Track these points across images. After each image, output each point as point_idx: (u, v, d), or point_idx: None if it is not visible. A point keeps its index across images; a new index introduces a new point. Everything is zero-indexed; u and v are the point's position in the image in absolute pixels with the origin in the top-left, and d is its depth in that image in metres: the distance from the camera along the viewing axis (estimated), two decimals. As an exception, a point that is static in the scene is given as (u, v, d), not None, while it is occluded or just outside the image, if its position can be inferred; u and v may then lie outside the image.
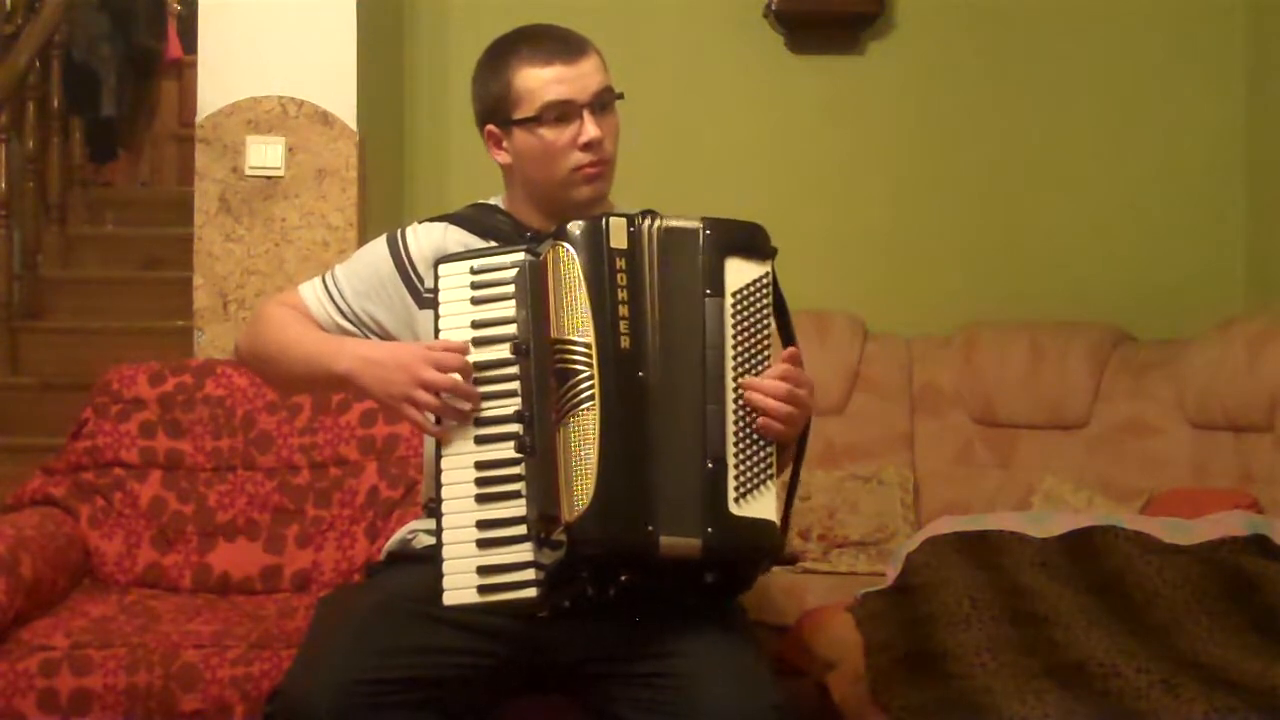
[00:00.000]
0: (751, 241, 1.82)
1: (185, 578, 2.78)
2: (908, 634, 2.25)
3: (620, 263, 1.75)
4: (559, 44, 1.92)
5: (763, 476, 1.75)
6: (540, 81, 1.90)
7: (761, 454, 1.76)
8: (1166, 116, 3.66)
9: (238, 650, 2.36)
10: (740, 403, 1.75)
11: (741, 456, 1.74)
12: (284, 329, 1.99)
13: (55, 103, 4.87)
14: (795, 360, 1.80)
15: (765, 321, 1.80)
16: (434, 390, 1.76)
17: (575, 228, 1.76)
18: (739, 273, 1.79)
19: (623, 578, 1.70)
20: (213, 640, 2.38)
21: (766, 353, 1.79)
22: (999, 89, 3.68)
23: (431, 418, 1.79)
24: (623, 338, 1.72)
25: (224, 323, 3.27)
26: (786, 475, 1.90)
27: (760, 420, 1.75)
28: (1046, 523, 2.60)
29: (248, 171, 3.27)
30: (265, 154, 3.26)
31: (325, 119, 3.26)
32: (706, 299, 1.77)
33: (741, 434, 1.75)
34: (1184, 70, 3.66)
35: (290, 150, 3.26)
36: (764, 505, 1.74)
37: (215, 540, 2.82)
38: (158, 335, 4.11)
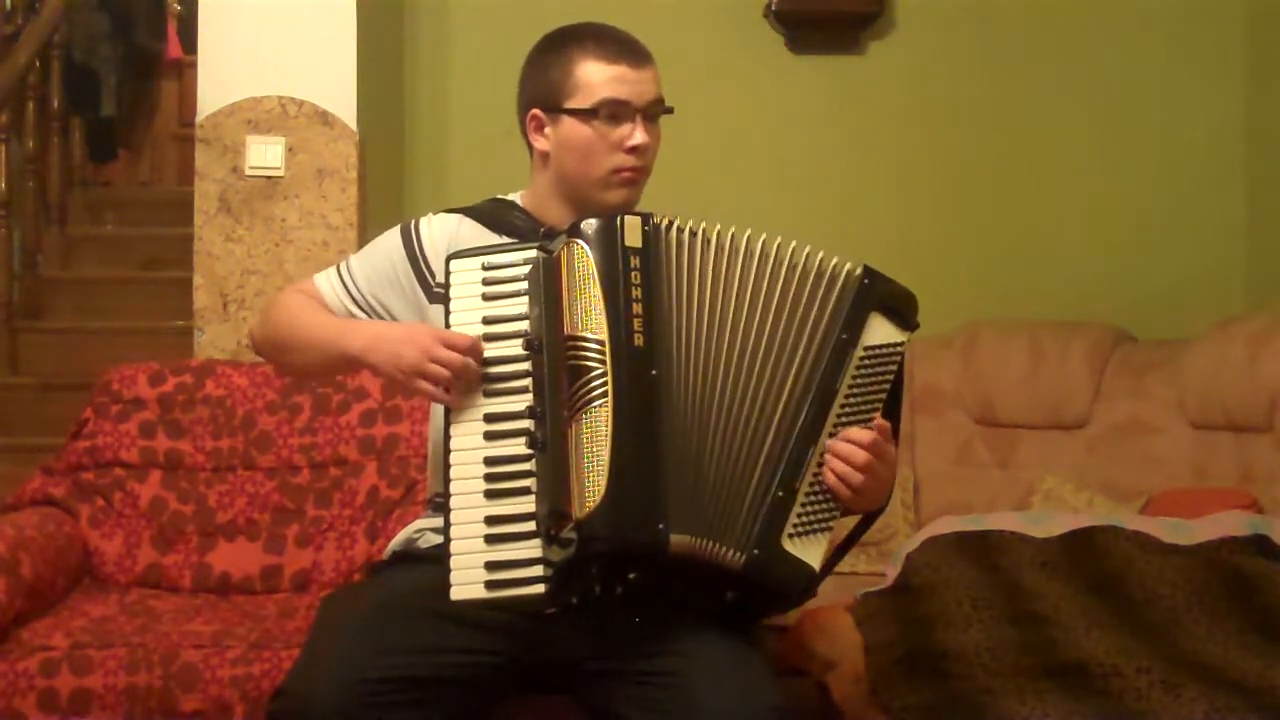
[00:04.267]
0: (904, 307, 1.84)
1: (185, 578, 2.78)
2: (908, 634, 2.25)
3: (634, 261, 1.75)
4: (626, 46, 1.94)
5: (823, 525, 1.76)
6: (603, 76, 1.91)
7: (830, 504, 1.77)
8: (1166, 117, 3.66)
9: (238, 650, 2.36)
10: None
11: (812, 497, 1.75)
12: (296, 313, 1.99)
13: (55, 103, 4.88)
14: (884, 434, 1.80)
15: (884, 386, 1.81)
16: (445, 365, 1.77)
17: (589, 226, 1.76)
18: (878, 330, 1.81)
19: (631, 576, 1.70)
20: (213, 640, 2.38)
21: (873, 415, 1.80)
22: (999, 89, 3.69)
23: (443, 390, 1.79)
24: (636, 335, 1.72)
25: (224, 323, 3.27)
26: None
27: (830, 481, 1.76)
28: (1046, 523, 2.60)
29: (248, 171, 3.27)
30: (265, 154, 3.26)
31: (325, 119, 3.26)
32: (839, 341, 1.77)
33: (819, 477, 1.76)
34: (1184, 71, 3.66)
35: (290, 150, 3.26)
36: (813, 551, 1.75)
37: (215, 540, 2.82)
38: (158, 335, 4.11)
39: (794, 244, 1.81)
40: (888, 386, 1.81)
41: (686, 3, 3.70)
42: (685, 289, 1.77)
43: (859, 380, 1.78)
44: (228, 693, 2.32)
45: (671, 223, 1.79)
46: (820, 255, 1.81)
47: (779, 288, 1.79)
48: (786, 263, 1.80)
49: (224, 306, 3.27)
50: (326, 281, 2.03)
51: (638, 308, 1.73)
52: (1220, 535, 2.46)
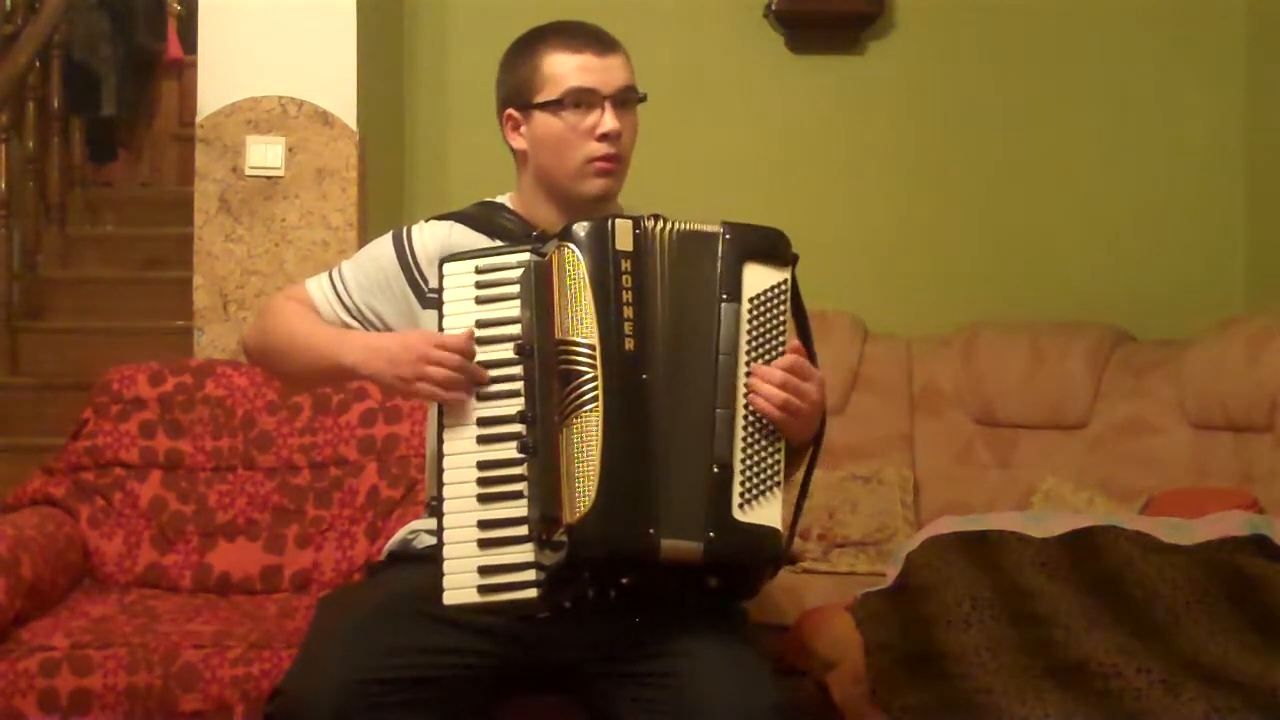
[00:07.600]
0: (771, 247, 1.82)
1: (185, 578, 2.78)
2: (908, 634, 2.25)
3: (625, 265, 1.75)
4: (591, 36, 1.95)
5: (769, 484, 1.75)
6: (567, 67, 1.92)
7: (770, 461, 1.75)
8: (1166, 117, 3.67)
9: (238, 650, 2.36)
10: (750, 408, 1.75)
11: (749, 463, 1.74)
12: (290, 323, 2.00)
13: (55, 103, 4.87)
14: (799, 353, 1.80)
15: (781, 328, 1.79)
16: (442, 364, 1.76)
17: (581, 229, 1.76)
18: (757, 278, 1.79)
19: (623, 580, 1.70)
20: (213, 640, 2.38)
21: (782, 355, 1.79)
22: (999, 89, 3.69)
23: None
24: (627, 340, 1.72)
25: (224, 323, 3.27)
26: (799, 476, 1.89)
27: (755, 401, 1.74)
28: (1046, 523, 2.60)
29: (248, 171, 3.27)
30: (265, 154, 3.26)
31: (325, 119, 3.26)
32: (722, 304, 1.77)
33: (750, 440, 1.75)
34: (1184, 70, 3.67)
35: (290, 150, 3.26)
36: (769, 513, 1.74)
37: (215, 540, 2.82)
38: (158, 335, 4.10)
39: (676, 222, 1.80)
40: (785, 325, 1.80)
41: (686, 3, 3.70)
42: (674, 290, 1.77)
43: (755, 332, 1.78)
44: (228, 693, 2.32)
45: (662, 224, 1.79)
46: (693, 225, 1.80)
47: (694, 266, 1.78)
48: (691, 241, 1.79)
49: (224, 306, 3.27)
50: (318, 288, 2.03)
51: (629, 311, 1.73)
52: (1220, 535, 2.46)
